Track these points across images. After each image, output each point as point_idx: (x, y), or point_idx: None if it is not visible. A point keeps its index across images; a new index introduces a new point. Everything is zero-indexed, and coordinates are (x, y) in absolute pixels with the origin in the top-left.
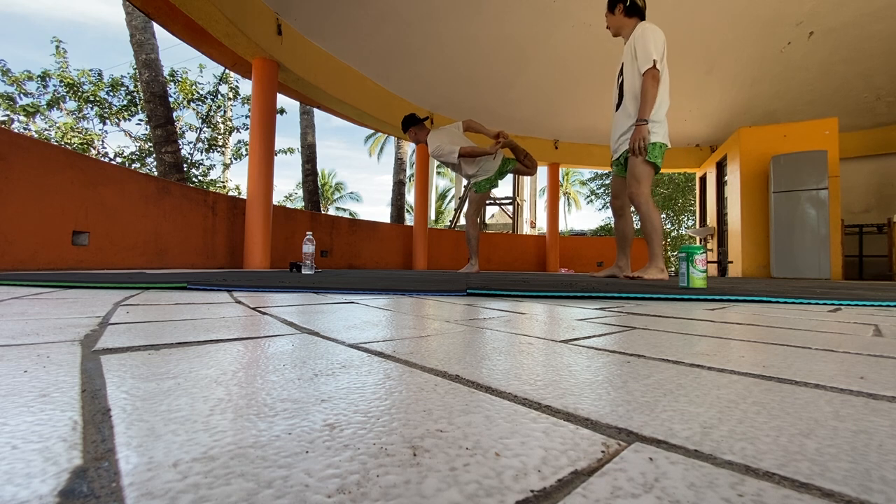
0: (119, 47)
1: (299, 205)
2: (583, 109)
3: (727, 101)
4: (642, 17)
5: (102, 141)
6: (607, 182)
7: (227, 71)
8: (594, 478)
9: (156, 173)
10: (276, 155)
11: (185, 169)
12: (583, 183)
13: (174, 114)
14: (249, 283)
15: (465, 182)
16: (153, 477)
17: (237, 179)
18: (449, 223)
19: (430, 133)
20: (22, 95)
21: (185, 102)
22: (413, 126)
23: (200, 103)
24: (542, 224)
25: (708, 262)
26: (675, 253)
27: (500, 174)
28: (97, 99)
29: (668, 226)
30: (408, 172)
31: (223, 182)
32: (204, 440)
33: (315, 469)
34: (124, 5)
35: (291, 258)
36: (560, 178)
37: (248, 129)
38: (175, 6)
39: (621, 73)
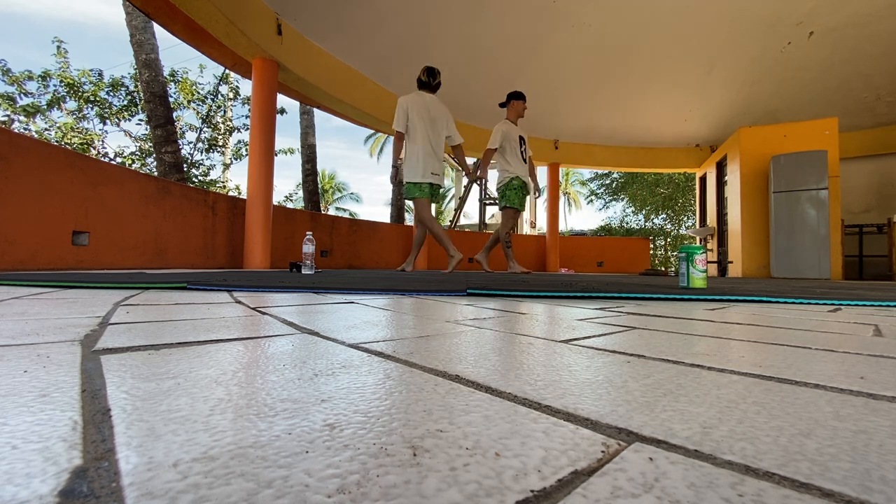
0: (119, 47)
1: (299, 205)
2: (583, 109)
3: (727, 101)
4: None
5: (102, 141)
6: (607, 182)
7: (227, 71)
8: (594, 478)
9: (156, 173)
10: (276, 155)
11: (185, 169)
12: (583, 183)
13: (174, 114)
14: (249, 283)
15: (464, 181)
16: (153, 477)
17: (237, 179)
18: (449, 223)
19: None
20: (22, 95)
21: (185, 103)
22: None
23: (201, 103)
24: (542, 224)
25: (708, 262)
26: (675, 253)
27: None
28: (97, 99)
29: (668, 226)
30: None
31: (223, 182)
32: (204, 440)
33: (315, 469)
34: (124, 5)
35: (291, 258)
36: (560, 178)
37: (248, 129)
38: (175, 6)
39: None
